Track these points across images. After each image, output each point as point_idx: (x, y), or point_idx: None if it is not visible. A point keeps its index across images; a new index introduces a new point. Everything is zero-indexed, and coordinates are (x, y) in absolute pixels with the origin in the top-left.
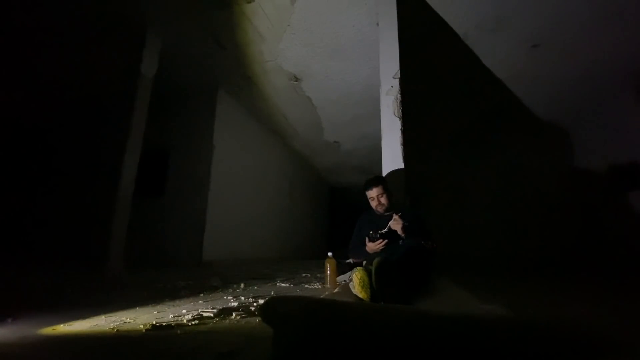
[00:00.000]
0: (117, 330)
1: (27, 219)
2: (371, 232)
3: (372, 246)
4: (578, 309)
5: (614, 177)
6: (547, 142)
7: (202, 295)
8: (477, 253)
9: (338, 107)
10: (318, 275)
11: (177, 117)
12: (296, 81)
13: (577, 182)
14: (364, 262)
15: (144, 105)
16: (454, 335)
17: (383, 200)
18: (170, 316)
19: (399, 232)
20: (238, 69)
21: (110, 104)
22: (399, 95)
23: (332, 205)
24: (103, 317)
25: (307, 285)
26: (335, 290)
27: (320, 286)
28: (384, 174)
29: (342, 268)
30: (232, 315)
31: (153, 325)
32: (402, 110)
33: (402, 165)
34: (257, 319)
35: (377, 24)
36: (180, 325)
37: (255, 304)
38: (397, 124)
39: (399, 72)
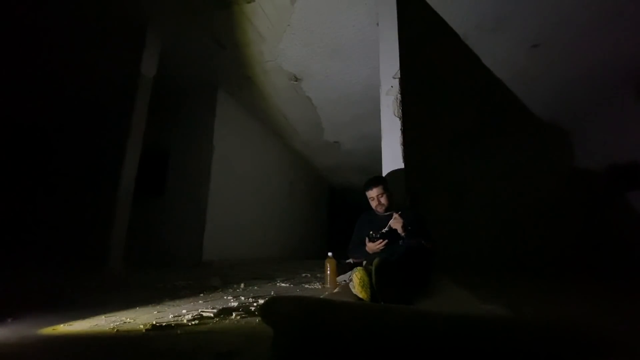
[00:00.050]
0: (117, 330)
1: (27, 219)
2: (371, 232)
3: (372, 246)
4: (578, 309)
5: (614, 177)
6: (547, 142)
7: (202, 295)
8: (477, 253)
9: (338, 107)
10: (318, 275)
11: (177, 117)
12: (296, 81)
13: (577, 182)
14: (364, 262)
15: (144, 105)
16: (454, 335)
17: (383, 200)
18: (170, 316)
19: (399, 230)
20: (238, 69)
21: (111, 104)
22: (399, 95)
23: (332, 205)
24: (103, 317)
25: (307, 285)
26: (335, 290)
27: (320, 286)
28: (384, 174)
29: (342, 268)
30: (232, 315)
31: (153, 325)
32: (402, 110)
33: (402, 165)
34: (257, 319)
35: (377, 24)
36: (180, 325)
37: (255, 304)
38: (397, 124)
39: (399, 72)
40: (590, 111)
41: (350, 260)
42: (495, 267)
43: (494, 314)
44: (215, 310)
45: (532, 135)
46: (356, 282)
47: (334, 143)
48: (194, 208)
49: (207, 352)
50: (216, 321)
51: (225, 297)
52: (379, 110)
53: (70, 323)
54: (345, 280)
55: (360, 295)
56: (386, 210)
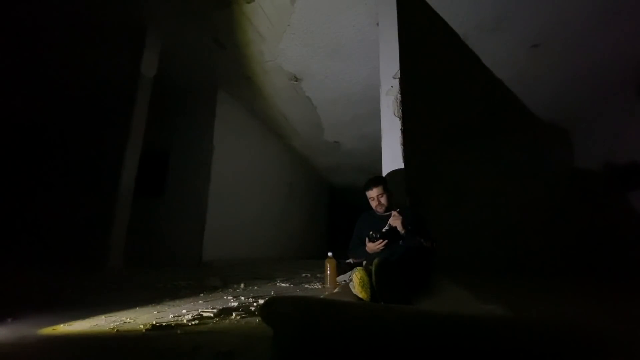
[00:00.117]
0: (117, 330)
1: (27, 219)
2: (371, 232)
3: (372, 246)
4: (578, 309)
5: (614, 177)
6: (547, 142)
7: (202, 295)
8: (477, 253)
9: (338, 107)
10: (318, 275)
11: (177, 117)
12: (296, 81)
13: (577, 181)
14: (364, 262)
15: (144, 105)
16: (454, 335)
17: (383, 200)
18: (170, 316)
19: (399, 228)
20: (238, 69)
21: (111, 104)
22: (399, 95)
23: (332, 205)
24: (103, 317)
25: (307, 285)
26: (335, 290)
27: (320, 286)
28: (384, 174)
29: (342, 268)
30: (232, 315)
31: (153, 325)
32: (402, 110)
33: (402, 165)
34: (257, 319)
35: (377, 24)
36: (180, 325)
37: (255, 304)
38: (397, 124)
39: (399, 72)
40: (590, 111)
41: (350, 260)
42: (496, 267)
43: (494, 314)
44: (215, 310)
45: (532, 135)
46: (356, 282)
47: (334, 143)
48: (194, 208)
49: (207, 352)
50: (216, 321)
51: (225, 297)
52: (379, 110)
53: (70, 323)
54: (345, 280)
55: (360, 295)
56: (386, 210)
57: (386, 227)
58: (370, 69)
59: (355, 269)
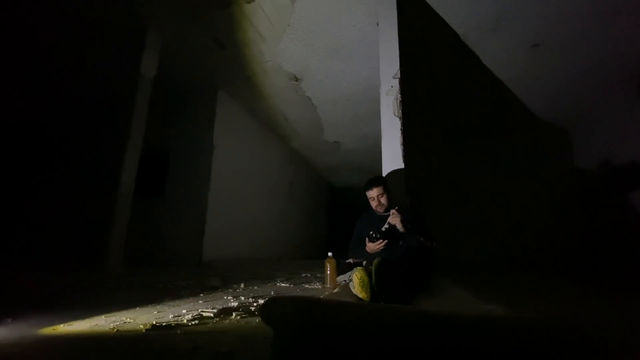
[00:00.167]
0: (117, 330)
1: (27, 219)
2: (371, 232)
3: (372, 246)
4: (578, 308)
5: (614, 177)
6: (547, 142)
7: (202, 295)
8: (478, 253)
9: (338, 107)
10: (318, 275)
11: (177, 117)
12: (296, 81)
13: (577, 181)
14: (364, 262)
15: (144, 105)
16: (455, 335)
17: (383, 200)
18: (170, 316)
19: (399, 226)
20: (238, 69)
21: (111, 104)
22: (399, 95)
23: (332, 205)
24: (103, 317)
25: (307, 285)
26: (335, 290)
27: (320, 286)
28: (384, 174)
29: (342, 268)
30: (232, 315)
31: (153, 325)
32: (402, 110)
33: (402, 165)
34: (257, 319)
35: (377, 24)
36: (180, 325)
37: (255, 304)
38: (397, 124)
39: (399, 72)
40: (590, 111)
41: (350, 260)
42: (496, 267)
43: (494, 314)
44: (215, 310)
45: (532, 135)
46: (356, 282)
47: (334, 143)
48: (194, 208)
49: (207, 352)
50: (216, 321)
51: (225, 297)
52: (379, 110)
53: (70, 323)
54: (345, 280)
55: (360, 295)
56: (386, 210)
57: (385, 226)
58: (370, 69)
59: (355, 269)
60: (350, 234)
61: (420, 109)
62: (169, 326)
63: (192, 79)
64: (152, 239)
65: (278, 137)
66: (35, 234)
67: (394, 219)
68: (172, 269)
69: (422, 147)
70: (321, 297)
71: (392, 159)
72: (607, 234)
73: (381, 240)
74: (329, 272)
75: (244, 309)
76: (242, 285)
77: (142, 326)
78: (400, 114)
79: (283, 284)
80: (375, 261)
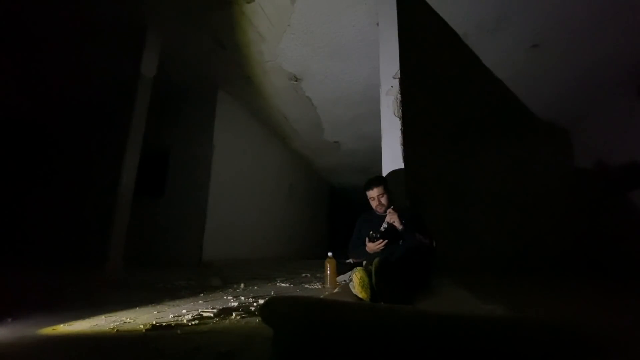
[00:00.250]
0: (117, 330)
1: (27, 219)
2: (371, 232)
3: (372, 246)
4: (578, 308)
5: (614, 177)
6: (547, 142)
7: (202, 295)
8: (478, 253)
9: (338, 107)
10: (318, 275)
11: (177, 117)
12: (296, 81)
13: (577, 182)
14: (364, 262)
15: (144, 105)
16: (454, 335)
17: (383, 200)
18: (170, 316)
19: (396, 224)
20: (238, 69)
21: (111, 104)
22: (399, 95)
23: (332, 206)
24: (103, 317)
25: (307, 285)
26: (335, 290)
27: (320, 286)
28: (384, 174)
29: (342, 268)
30: (232, 315)
31: (153, 325)
32: (402, 110)
33: (402, 165)
34: (257, 319)
35: (377, 24)
36: (180, 325)
37: (255, 304)
38: (397, 124)
39: (399, 72)
40: (591, 111)
41: (350, 260)
42: (496, 267)
43: (494, 313)
44: (215, 310)
45: (532, 135)
46: (356, 282)
47: (334, 143)
48: (194, 208)
49: (207, 352)
50: (216, 321)
51: (225, 297)
52: (379, 110)
53: (70, 323)
54: (345, 280)
55: (360, 295)
56: (386, 210)
57: (384, 226)
58: (370, 69)
59: (355, 269)
60: (350, 234)
61: (420, 109)
62: (169, 326)
63: (192, 79)
64: (152, 239)
65: (278, 137)
66: (35, 234)
67: (392, 217)
68: (172, 269)
69: (422, 147)
70: (321, 297)
71: (392, 159)
72: (607, 234)
73: (381, 240)
74: (329, 272)
75: (244, 309)
76: (242, 285)
77: (142, 326)
78: (400, 114)
79: (283, 284)
80: (375, 261)
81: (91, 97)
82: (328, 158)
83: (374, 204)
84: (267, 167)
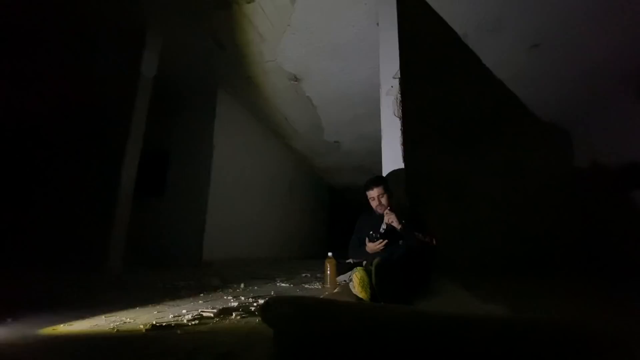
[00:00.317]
0: (117, 330)
1: (27, 219)
2: (371, 232)
3: (372, 246)
4: (578, 308)
5: (614, 177)
6: (547, 142)
7: (202, 295)
8: (477, 253)
9: (338, 107)
10: (318, 275)
11: (177, 117)
12: (296, 81)
13: (577, 181)
14: (364, 262)
15: (144, 105)
16: (454, 335)
17: (383, 200)
18: (170, 316)
19: (395, 223)
20: (238, 69)
21: (110, 104)
22: (399, 95)
23: (332, 205)
24: (103, 317)
25: (307, 285)
26: (335, 290)
27: (320, 286)
28: (384, 174)
29: (342, 268)
30: (232, 315)
31: (153, 325)
32: (402, 110)
33: (402, 165)
34: (257, 319)
35: (377, 24)
36: (180, 325)
37: (255, 304)
38: (397, 124)
39: (399, 72)
40: (591, 111)
41: (350, 260)
42: (496, 267)
43: (494, 314)
44: (215, 310)
45: (532, 135)
46: (356, 282)
47: (334, 143)
48: (194, 208)
49: (207, 352)
50: (216, 321)
51: (225, 297)
52: (379, 110)
53: (70, 323)
54: (345, 280)
55: (360, 295)
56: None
57: (383, 226)
58: (370, 69)
59: (355, 269)
60: (350, 233)
61: (421, 109)
62: (169, 326)
63: (192, 79)
64: (152, 238)
65: (278, 137)
66: (35, 234)
67: (389, 217)
68: (172, 269)
69: (422, 147)
70: (321, 297)
71: (392, 159)
72: (607, 234)
73: (381, 240)
74: (329, 272)
75: (244, 309)
76: (242, 285)
77: (142, 326)
78: (400, 114)
79: (283, 284)
80: (375, 261)
81: (91, 97)
82: (328, 158)
83: (374, 204)
84: (267, 167)
